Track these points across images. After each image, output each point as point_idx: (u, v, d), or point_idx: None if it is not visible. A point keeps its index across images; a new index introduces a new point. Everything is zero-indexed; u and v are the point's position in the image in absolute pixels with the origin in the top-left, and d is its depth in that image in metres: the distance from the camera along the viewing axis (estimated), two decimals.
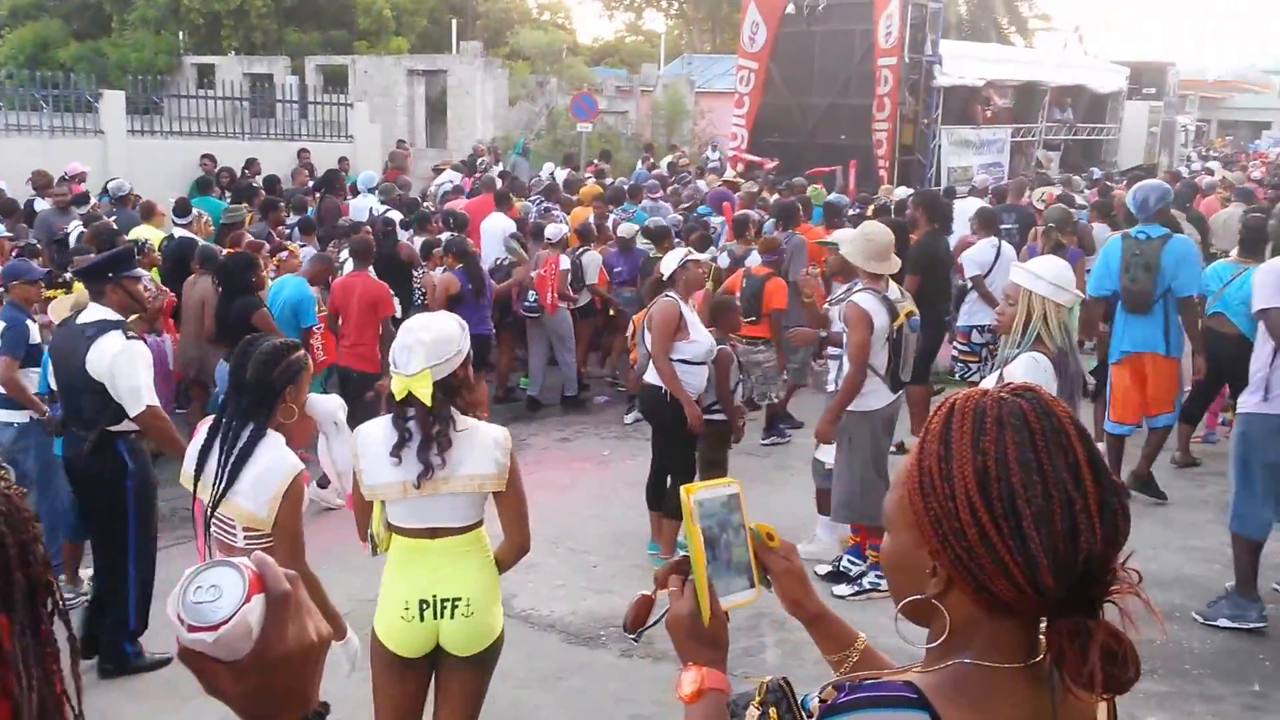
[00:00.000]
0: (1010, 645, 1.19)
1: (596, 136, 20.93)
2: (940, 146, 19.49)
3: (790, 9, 19.22)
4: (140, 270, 5.14)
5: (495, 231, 10.08)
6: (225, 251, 7.79)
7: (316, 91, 21.59)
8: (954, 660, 1.20)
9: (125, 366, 4.47)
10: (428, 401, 3.01)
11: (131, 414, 4.49)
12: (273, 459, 3.18)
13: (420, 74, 23.36)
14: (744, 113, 20.41)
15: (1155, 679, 4.50)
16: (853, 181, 16.51)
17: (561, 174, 15.71)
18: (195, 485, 3.28)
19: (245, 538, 3.19)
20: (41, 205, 10.63)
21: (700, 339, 5.73)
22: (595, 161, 17.85)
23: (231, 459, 3.17)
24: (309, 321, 7.21)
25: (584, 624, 5.16)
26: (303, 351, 3.33)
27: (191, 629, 0.98)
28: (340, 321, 7.36)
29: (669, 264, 5.87)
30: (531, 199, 12.47)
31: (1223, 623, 4.94)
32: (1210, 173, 19.95)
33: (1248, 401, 5.09)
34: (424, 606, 3.06)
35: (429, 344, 3.03)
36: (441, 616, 3.07)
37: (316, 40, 27.49)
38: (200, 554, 3.35)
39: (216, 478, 3.18)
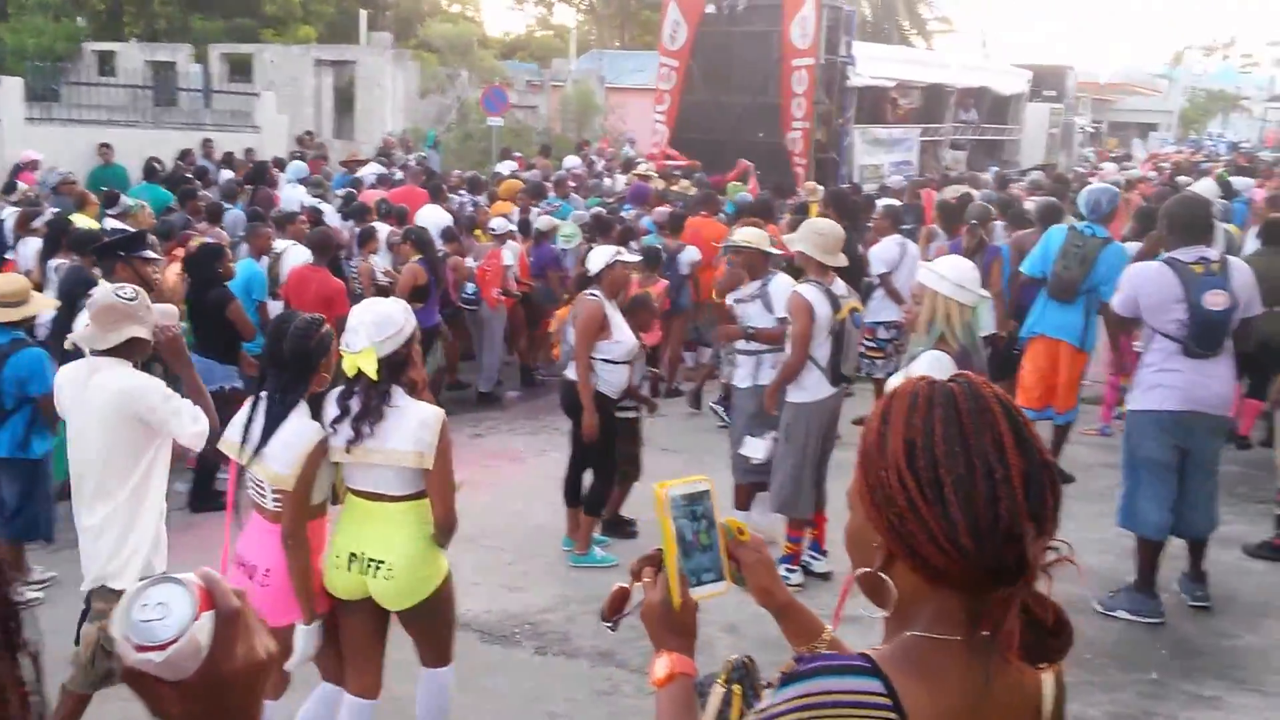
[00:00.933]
0: (953, 617, 1.27)
1: (508, 131, 20.78)
2: (853, 145, 20.04)
3: (710, 9, 19.55)
4: (152, 253, 5.44)
5: (429, 223, 10.05)
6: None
7: (221, 80, 21.00)
8: (905, 634, 1.29)
9: None
10: (374, 375, 3.36)
11: None
12: (300, 424, 3.44)
13: (328, 64, 22.90)
14: (665, 109, 20.70)
15: None
16: (753, 182, 16.67)
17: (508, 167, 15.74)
18: (240, 453, 3.49)
19: (274, 498, 3.46)
20: None
21: (623, 339, 5.72)
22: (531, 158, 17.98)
23: (266, 425, 3.43)
24: (261, 296, 7.33)
25: (499, 622, 5.11)
26: (328, 325, 3.56)
27: (139, 648, 0.93)
28: (288, 308, 7.22)
29: (596, 261, 5.82)
30: (460, 193, 12.55)
31: (1122, 614, 5.09)
32: (1101, 171, 20.69)
33: (1130, 399, 5.29)
34: (352, 559, 3.43)
35: (370, 323, 3.37)
36: (366, 573, 3.43)
37: (221, 28, 26.69)
38: (229, 511, 3.65)
39: (253, 441, 3.44)
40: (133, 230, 5.34)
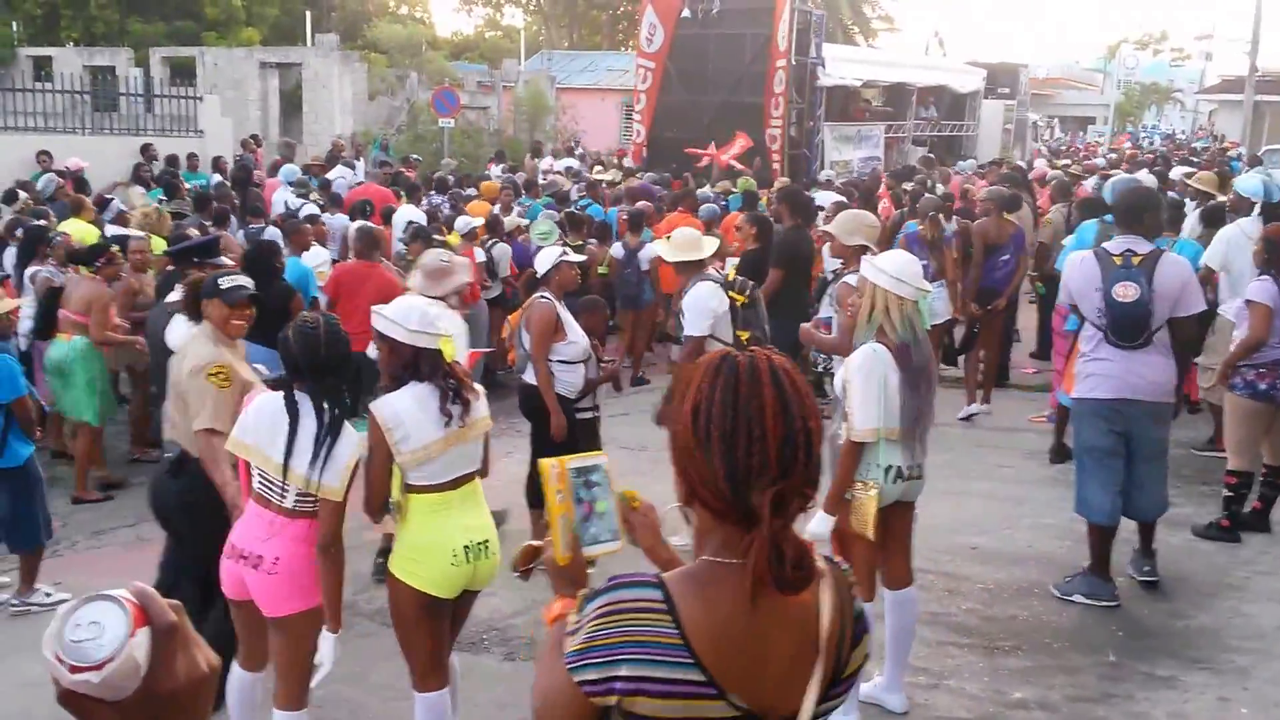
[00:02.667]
0: (734, 547, 1.55)
1: (459, 132, 20.69)
2: (824, 142, 21.21)
3: (686, 13, 20.47)
4: (224, 259, 5.82)
5: (403, 223, 10.24)
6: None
7: (163, 84, 20.64)
8: (699, 558, 1.61)
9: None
10: (453, 357, 3.58)
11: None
12: (347, 434, 3.51)
13: (273, 67, 22.63)
14: (642, 109, 21.60)
15: (1019, 654, 4.73)
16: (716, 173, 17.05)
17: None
18: (286, 471, 3.45)
19: (298, 499, 3.48)
20: None
21: (576, 339, 5.71)
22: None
23: (327, 436, 3.43)
24: (314, 293, 7.54)
25: (466, 629, 5.05)
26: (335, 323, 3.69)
27: (74, 669, 0.91)
28: (335, 305, 7.24)
29: (543, 262, 5.81)
30: (432, 193, 12.92)
31: (1078, 598, 5.18)
32: (1052, 166, 21.16)
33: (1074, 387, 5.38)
34: (468, 551, 3.53)
35: (439, 313, 3.66)
36: (478, 558, 3.55)
37: (162, 31, 26.24)
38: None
39: (315, 454, 3.41)
40: (208, 238, 6.21)
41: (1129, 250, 4.94)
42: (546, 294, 5.68)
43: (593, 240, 10.16)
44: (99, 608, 0.94)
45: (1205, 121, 47.95)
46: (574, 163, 18.75)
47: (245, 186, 12.43)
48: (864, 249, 5.68)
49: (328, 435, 3.43)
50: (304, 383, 3.52)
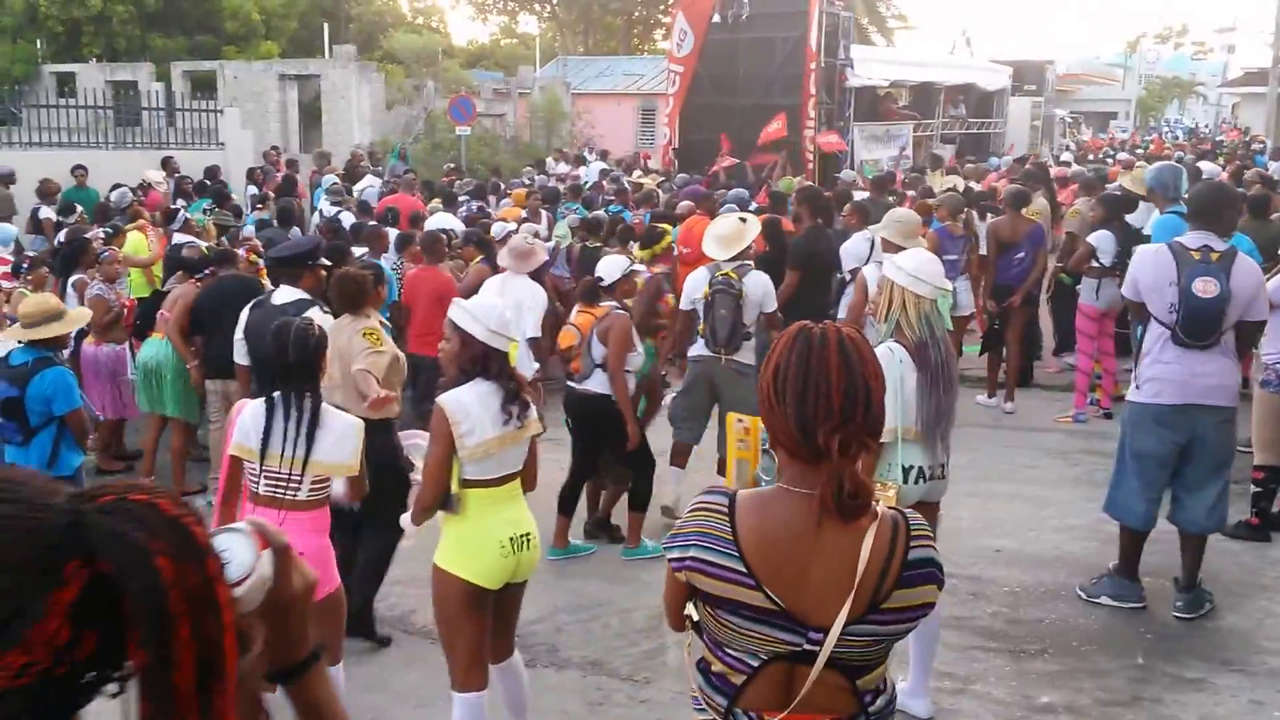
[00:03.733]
0: (804, 480, 1.97)
1: (476, 139, 20.75)
2: (854, 141, 21.67)
3: (716, 18, 20.83)
4: (325, 260, 6.19)
5: (438, 229, 10.35)
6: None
7: (184, 98, 20.82)
8: (775, 486, 2.04)
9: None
10: (514, 363, 3.80)
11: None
12: (343, 420, 3.91)
13: (292, 79, 22.75)
14: (669, 112, 22.21)
15: (1046, 658, 4.68)
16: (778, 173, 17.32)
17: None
18: (262, 455, 3.78)
19: (311, 489, 3.81)
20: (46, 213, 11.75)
21: (639, 350, 5.87)
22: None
23: (305, 428, 3.77)
24: (393, 297, 7.89)
25: None
26: (317, 323, 3.98)
27: None
28: (410, 311, 7.87)
29: (611, 271, 5.88)
30: (460, 200, 13.04)
31: (1105, 600, 5.11)
32: (1068, 164, 21.02)
33: (1129, 391, 5.22)
34: (514, 543, 3.64)
35: (513, 319, 3.93)
36: (522, 550, 3.67)
37: (182, 46, 26.48)
38: (243, 511, 3.88)
39: (294, 446, 3.76)
40: (311, 242, 6.72)
41: (1206, 246, 4.78)
42: (620, 305, 5.82)
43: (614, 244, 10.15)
44: (227, 538, 1.12)
45: (1229, 114, 47.46)
46: (602, 165, 19.02)
47: (286, 196, 12.75)
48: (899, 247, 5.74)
49: (312, 425, 3.78)
50: (283, 383, 3.85)
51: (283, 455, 3.78)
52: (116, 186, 12.48)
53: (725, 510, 2.00)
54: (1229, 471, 5.04)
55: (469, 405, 3.56)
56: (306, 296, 5.54)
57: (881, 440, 3.94)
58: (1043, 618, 5.07)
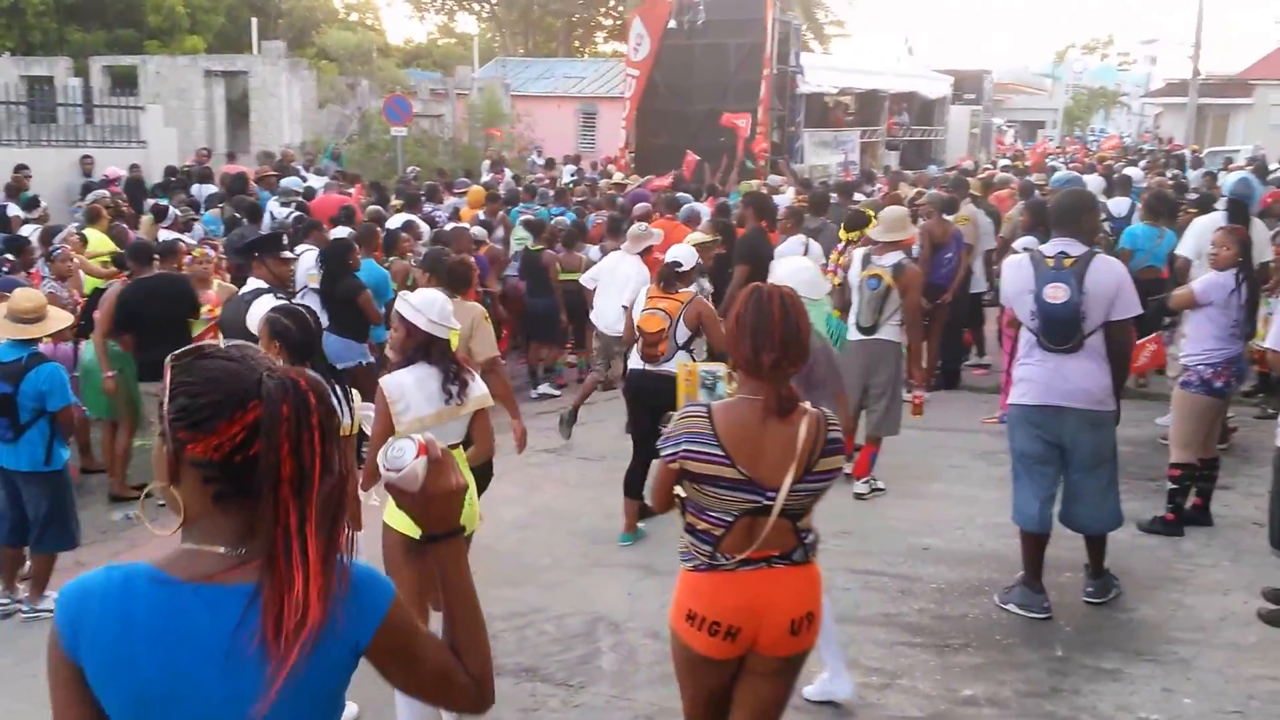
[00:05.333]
0: (754, 391, 2.91)
1: (413, 141, 20.52)
2: (804, 147, 22.39)
3: (672, 24, 21.23)
4: (287, 253, 6.58)
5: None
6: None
7: (103, 94, 20.22)
8: (737, 396, 2.99)
9: None
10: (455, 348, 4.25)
11: None
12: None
13: (219, 75, 22.32)
14: (625, 116, 22.61)
15: (970, 652, 4.76)
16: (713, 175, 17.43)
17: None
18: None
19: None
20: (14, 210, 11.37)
21: None
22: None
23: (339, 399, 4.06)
24: (389, 296, 7.96)
25: None
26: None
27: (387, 470, 1.64)
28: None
29: (687, 257, 6.05)
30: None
31: (1012, 608, 5.12)
32: (1002, 169, 21.47)
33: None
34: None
35: (453, 309, 4.26)
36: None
37: (102, 39, 25.78)
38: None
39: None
40: (268, 233, 7.04)
41: (1062, 252, 4.85)
42: (701, 289, 6.25)
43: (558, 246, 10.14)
44: (403, 443, 1.66)
45: (1151, 124, 48.78)
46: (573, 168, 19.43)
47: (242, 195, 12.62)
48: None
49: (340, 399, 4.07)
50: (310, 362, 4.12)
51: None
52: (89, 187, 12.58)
53: (705, 415, 2.91)
54: (1109, 470, 5.04)
55: (406, 386, 3.99)
56: (264, 285, 5.93)
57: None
58: (967, 613, 5.16)
